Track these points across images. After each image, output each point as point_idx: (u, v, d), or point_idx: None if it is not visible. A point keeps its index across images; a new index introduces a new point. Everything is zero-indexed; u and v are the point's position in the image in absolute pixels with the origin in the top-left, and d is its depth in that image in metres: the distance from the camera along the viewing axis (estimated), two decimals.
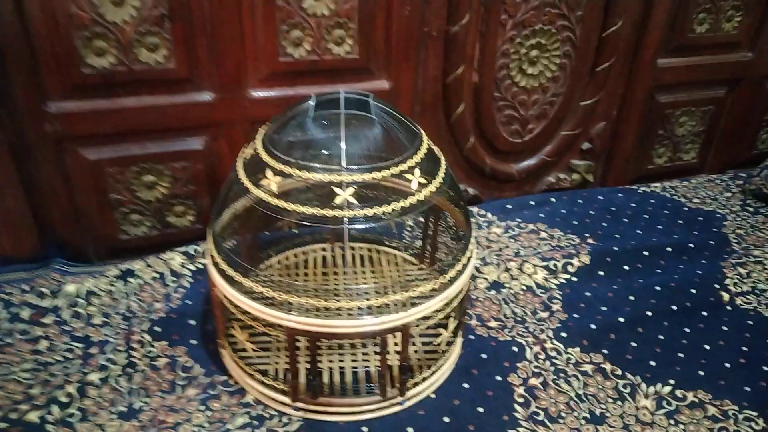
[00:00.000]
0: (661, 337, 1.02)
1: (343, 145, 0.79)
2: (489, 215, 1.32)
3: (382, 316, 0.79)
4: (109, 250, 1.20)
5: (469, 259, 0.88)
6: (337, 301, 0.79)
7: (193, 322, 1.02)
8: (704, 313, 1.07)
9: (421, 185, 0.81)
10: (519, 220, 1.31)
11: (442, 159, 0.88)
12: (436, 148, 0.89)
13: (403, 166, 0.80)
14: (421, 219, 1.15)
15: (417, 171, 0.81)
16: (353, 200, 0.77)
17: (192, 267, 1.14)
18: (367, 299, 0.79)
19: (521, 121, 1.33)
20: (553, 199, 1.37)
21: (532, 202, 1.36)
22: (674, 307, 1.07)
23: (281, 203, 0.78)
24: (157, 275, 1.11)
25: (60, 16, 0.97)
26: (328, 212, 0.77)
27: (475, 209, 1.33)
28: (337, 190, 0.77)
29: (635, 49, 1.32)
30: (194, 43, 1.06)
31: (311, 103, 0.85)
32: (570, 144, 1.41)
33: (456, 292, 0.85)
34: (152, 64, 1.05)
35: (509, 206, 1.34)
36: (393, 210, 0.78)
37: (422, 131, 0.88)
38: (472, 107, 1.28)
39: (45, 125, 1.05)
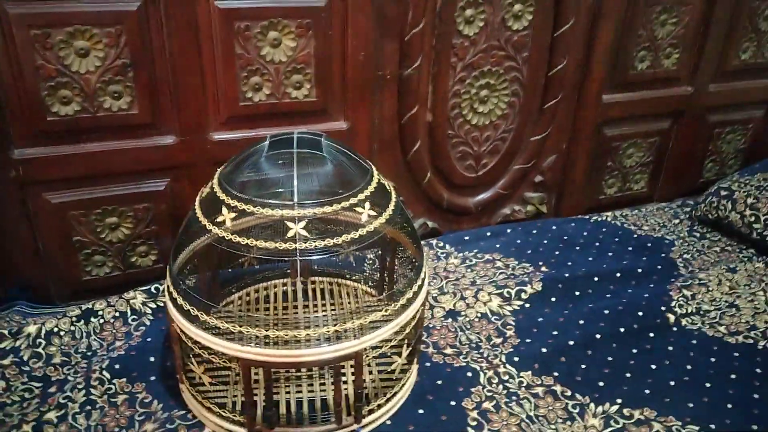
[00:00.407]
0: (610, 358, 1.06)
1: (295, 181, 0.83)
2: (447, 247, 1.36)
3: (336, 344, 0.82)
4: (72, 291, 1.22)
5: (420, 286, 0.92)
6: (292, 330, 0.82)
7: (152, 359, 1.04)
8: (651, 335, 1.11)
9: (372, 217, 0.86)
10: (476, 250, 1.35)
11: (392, 192, 0.92)
12: (387, 183, 0.94)
13: (354, 200, 0.85)
14: (380, 251, 1.19)
15: (367, 204, 0.86)
16: (305, 233, 0.81)
17: (153, 305, 1.16)
18: (322, 327, 0.83)
19: (475, 157, 1.39)
20: (508, 230, 1.42)
21: (489, 234, 1.41)
22: (622, 330, 1.12)
23: (236, 238, 0.82)
24: (119, 314, 1.13)
25: (26, 67, 1.01)
26: (281, 245, 0.81)
27: (434, 241, 1.38)
28: (289, 224, 0.82)
29: (580, 86, 1.40)
30: (157, 90, 1.11)
31: (266, 143, 0.90)
32: (523, 177, 1.47)
33: (408, 318, 0.88)
34: (116, 110, 1.09)
35: (467, 238, 1.39)
36: (344, 241, 0.83)
37: (373, 167, 0.92)
38: (428, 144, 1.34)
39: (9, 171, 1.08)
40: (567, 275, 1.25)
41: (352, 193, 0.85)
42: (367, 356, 0.87)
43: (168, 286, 0.90)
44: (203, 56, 1.11)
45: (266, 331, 0.82)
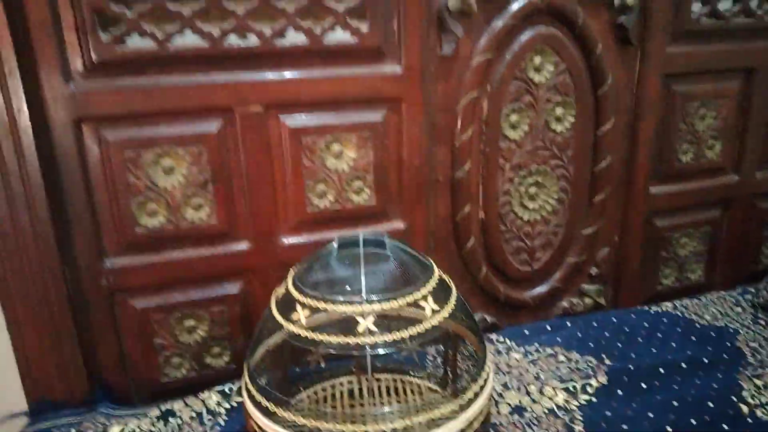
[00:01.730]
0: None
1: (363, 279, 0.90)
2: (508, 341, 1.38)
3: None
4: (151, 392, 1.28)
5: (485, 380, 0.94)
6: (363, 425, 0.85)
7: None
8: (725, 426, 1.08)
9: (435, 312, 0.91)
10: (537, 344, 1.36)
11: (452, 287, 0.98)
12: (447, 278, 1.00)
13: (417, 295, 0.90)
14: (442, 347, 1.22)
15: (430, 299, 0.91)
16: (374, 328, 0.87)
17: (227, 405, 1.20)
18: (391, 422, 0.85)
19: (528, 251, 1.44)
20: (568, 323, 1.43)
21: (549, 327, 1.42)
22: (694, 422, 1.09)
23: (310, 335, 0.88)
24: (195, 414, 1.18)
25: (120, 185, 1.14)
26: (352, 340, 0.86)
27: (494, 336, 1.40)
28: (359, 319, 0.87)
29: (627, 180, 1.46)
30: (233, 202, 1.22)
31: (334, 244, 0.98)
32: (578, 270, 1.50)
33: (475, 413, 0.91)
34: (196, 221, 1.20)
35: (526, 332, 1.40)
36: (410, 335, 0.87)
37: (433, 264, 0.98)
38: (482, 240, 1.40)
39: (101, 279, 1.18)
40: (632, 368, 1.24)
41: (416, 288, 0.91)
42: None
43: (245, 383, 0.96)
44: (274, 169, 1.22)
45: (340, 425, 0.85)
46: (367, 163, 1.27)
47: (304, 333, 0.89)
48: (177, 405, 1.19)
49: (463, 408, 0.89)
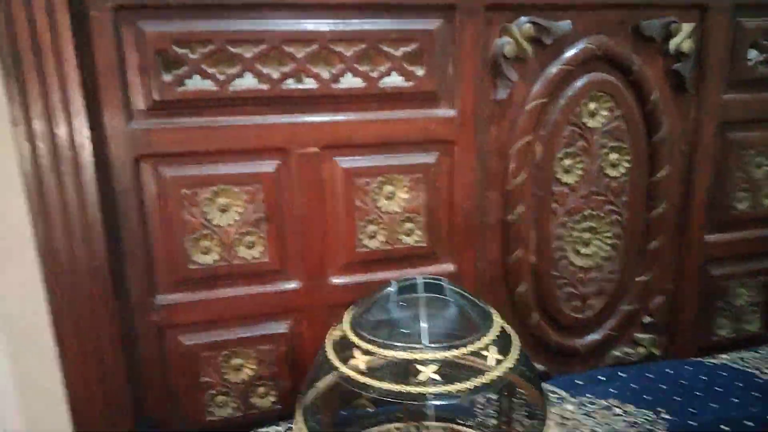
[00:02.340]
0: None
1: (423, 324, 0.88)
2: (560, 391, 1.33)
3: None
4: (195, 431, 1.27)
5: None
6: None
7: None
8: None
9: (498, 362, 0.88)
10: (590, 395, 1.32)
11: (514, 336, 0.95)
12: (507, 327, 0.97)
13: (479, 344, 0.88)
14: (492, 396, 1.19)
15: (493, 348, 0.89)
16: (436, 377, 0.85)
17: None
18: None
19: (581, 298, 1.40)
20: (621, 374, 1.38)
21: (602, 377, 1.37)
22: None
23: (369, 380, 0.86)
24: None
25: (175, 222, 1.15)
26: (413, 389, 0.84)
27: (545, 385, 1.35)
28: (420, 367, 0.85)
29: (682, 227, 1.43)
30: (285, 240, 1.22)
31: (392, 288, 0.96)
32: (631, 318, 1.46)
33: None
34: (249, 259, 1.20)
35: (579, 382, 1.36)
36: (474, 386, 0.85)
37: (492, 310, 0.96)
38: (533, 285, 1.37)
39: (152, 316, 1.18)
40: (693, 423, 1.19)
41: (478, 336, 0.89)
42: None
43: (297, 423, 0.94)
44: (326, 209, 1.22)
45: None
46: (419, 205, 1.27)
47: (362, 379, 0.87)
48: None
49: None
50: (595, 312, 1.42)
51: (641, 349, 1.48)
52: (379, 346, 0.88)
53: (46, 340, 1.15)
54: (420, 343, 0.87)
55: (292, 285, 1.25)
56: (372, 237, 1.26)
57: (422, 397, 0.84)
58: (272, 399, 1.30)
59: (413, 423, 1.19)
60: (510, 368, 0.88)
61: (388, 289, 0.97)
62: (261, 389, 1.29)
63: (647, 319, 1.47)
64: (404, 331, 0.92)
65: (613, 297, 1.43)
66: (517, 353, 0.91)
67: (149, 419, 1.23)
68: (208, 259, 1.19)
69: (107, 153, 1.09)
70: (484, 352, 0.88)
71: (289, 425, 1.21)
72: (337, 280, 1.27)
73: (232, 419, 1.28)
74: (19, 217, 1.16)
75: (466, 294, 0.97)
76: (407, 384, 0.84)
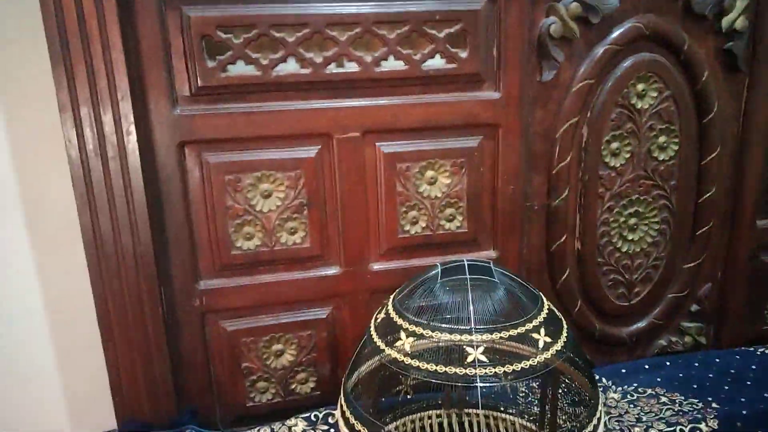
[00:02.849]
0: None
1: (471, 306, 0.87)
2: (604, 380, 1.30)
3: None
4: (236, 416, 1.27)
5: (599, 420, 0.89)
6: None
7: None
8: None
9: (547, 344, 0.86)
10: (636, 384, 1.28)
11: (563, 320, 0.93)
12: (556, 310, 0.95)
13: (529, 326, 0.86)
14: (534, 384, 1.16)
15: (542, 330, 0.87)
16: (484, 359, 0.83)
17: None
18: None
19: (627, 285, 1.37)
20: (668, 363, 1.34)
21: (647, 366, 1.34)
22: None
23: (415, 362, 0.85)
24: None
25: (219, 208, 1.15)
26: (460, 370, 0.82)
27: None
28: (468, 349, 0.84)
29: (733, 212, 1.38)
30: (327, 226, 1.21)
31: (437, 270, 0.95)
32: (678, 306, 1.42)
33: None
34: (290, 244, 1.20)
35: (624, 370, 1.33)
36: (522, 368, 0.83)
37: (541, 294, 0.94)
38: (577, 273, 1.34)
39: (194, 300, 1.19)
40: (744, 412, 1.15)
41: (528, 318, 0.87)
42: None
43: (342, 406, 0.93)
44: (368, 194, 1.21)
45: None
46: (461, 190, 1.25)
47: (408, 360, 0.86)
48: (264, 431, 1.17)
49: None
50: (640, 300, 1.38)
51: (688, 339, 1.44)
52: (425, 327, 0.86)
53: (90, 327, 1.16)
54: (467, 324, 0.85)
55: (332, 271, 1.24)
56: (413, 223, 1.25)
57: (469, 379, 0.82)
58: (312, 385, 1.30)
59: (454, 410, 1.18)
60: (559, 350, 0.86)
61: (433, 271, 0.95)
62: (301, 375, 1.28)
63: (694, 307, 1.43)
64: (452, 314, 0.90)
65: (660, 284, 1.39)
66: (565, 336, 0.89)
67: (191, 406, 1.24)
68: (251, 244, 1.19)
69: (152, 139, 1.10)
70: (534, 335, 0.86)
71: (328, 411, 1.21)
72: (377, 266, 1.26)
73: (272, 405, 1.28)
74: (65, 203, 1.18)
75: (514, 276, 0.95)
76: (458, 366, 0.82)
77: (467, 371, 0.82)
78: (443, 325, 0.86)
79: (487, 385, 0.82)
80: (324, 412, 1.21)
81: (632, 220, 1.33)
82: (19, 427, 1.32)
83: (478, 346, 0.83)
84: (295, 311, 1.25)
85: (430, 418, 1.18)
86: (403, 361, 0.86)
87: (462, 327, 0.85)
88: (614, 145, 1.27)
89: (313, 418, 1.20)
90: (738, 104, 1.32)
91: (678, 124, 1.29)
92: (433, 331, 0.86)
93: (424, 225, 1.25)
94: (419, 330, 0.87)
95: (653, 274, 1.38)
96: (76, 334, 1.29)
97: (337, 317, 1.27)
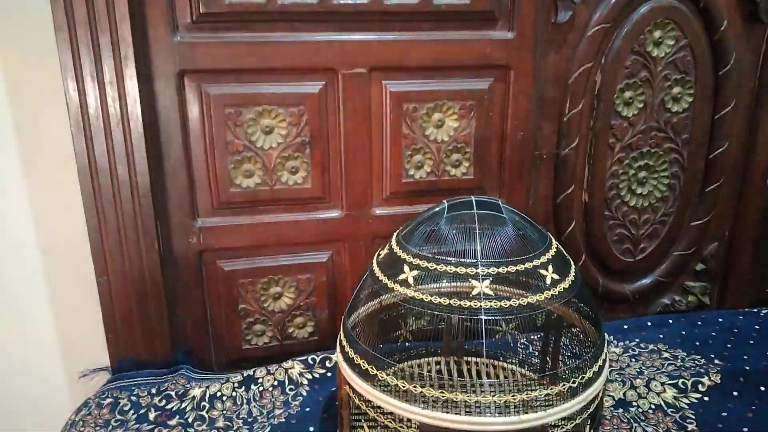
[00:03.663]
0: None
1: (477, 240, 0.84)
2: (605, 335, 1.28)
3: (520, 416, 0.78)
4: (231, 359, 1.25)
5: (604, 360, 0.86)
6: (474, 394, 0.79)
7: (312, 429, 1.03)
8: None
9: (555, 281, 0.83)
10: (638, 340, 1.27)
11: (571, 260, 0.90)
12: (563, 251, 0.92)
13: (537, 262, 0.83)
14: (534, 337, 1.14)
15: (550, 267, 0.84)
16: (489, 292, 0.80)
17: (309, 376, 1.16)
18: (508, 395, 0.79)
19: (633, 240, 1.34)
20: (670, 321, 1.33)
21: (650, 323, 1.32)
22: None
23: (419, 295, 0.82)
24: (277, 383, 1.14)
25: (218, 142, 1.12)
26: (465, 303, 0.80)
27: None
28: (474, 282, 0.81)
29: (744, 170, 1.35)
30: (329, 167, 1.18)
31: (444, 205, 0.91)
32: (683, 264, 1.39)
33: (595, 392, 0.83)
34: (291, 184, 1.17)
35: (626, 326, 1.31)
36: (529, 303, 0.80)
37: (549, 234, 0.91)
38: (583, 225, 1.31)
39: (191, 238, 1.16)
40: (747, 368, 1.13)
41: (536, 254, 0.84)
42: (551, 430, 0.82)
43: (341, 341, 0.90)
44: (373, 136, 1.18)
45: (446, 393, 0.79)
46: (468, 135, 1.21)
47: (411, 293, 0.83)
48: (259, 372, 1.15)
49: (584, 387, 0.81)
50: (646, 256, 1.36)
51: (691, 298, 1.42)
52: (430, 260, 0.83)
53: (84, 261, 1.13)
54: (474, 258, 0.82)
55: (334, 214, 1.21)
56: (418, 167, 1.21)
57: (476, 312, 0.79)
58: (310, 330, 1.28)
59: (453, 357, 1.15)
60: (567, 289, 0.83)
61: (440, 206, 0.92)
62: (299, 319, 1.26)
63: (700, 266, 1.40)
64: (457, 247, 0.87)
65: (666, 241, 1.36)
66: (573, 275, 0.86)
67: (186, 346, 1.22)
68: (250, 182, 1.16)
69: (150, 66, 1.06)
70: (542, 271, 0.83)
71: (326, 355, 1.19)
72: (380, 211, 1.23)
73: (269, 348, 1.26)
74: (59, 131, 1.13)
75: (522, 214, 0.92)
76: (462, 299, 0.80)
77: (472, 304, 0.79)
78: (449, 258, 0.83)
79: (492, 318, 0.80)
80: (321, 356, 1.19)
81: (642, 174, 1.30)
82: (10, 366, 1.30)
83: (483, 279, 0.80)
84: (295, 254, 1.22)
85: (429, 364, 1.16)
86: (406, 293, 0.83)
87: (468, 260, 0.82)
88: (627, 94, 1.23)
89: (310, 361, 1.18)
90: (756, 57, 1.28)
91: (694, 74, 1.25)
92: (437, 264, 0.83)
93: (429, 170, 1.22)
94: (423, 263, 0.84)
95: (660, 230, 1.35)
96: (69, 268, 1.25)
97: (337, 262, 1.24)
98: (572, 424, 0.84)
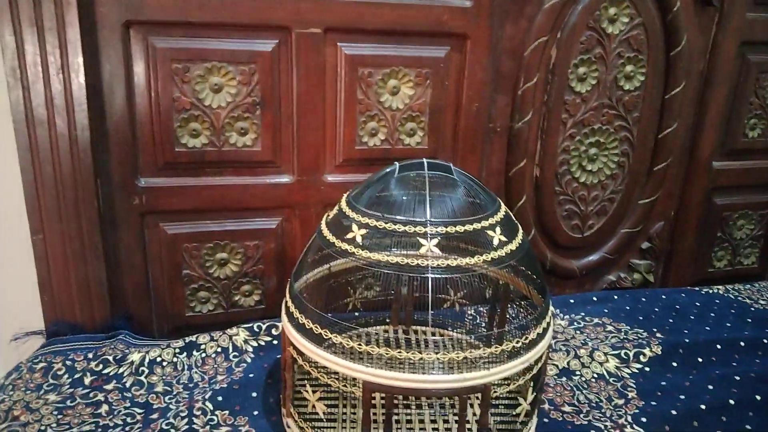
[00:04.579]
0: (749, 426, 0.96)
1: (427, 199, 0.83)
2: (550, 301, 1.30)
3: (464, 373, 0.78)
4: (173, 326, 1.21)
5: (548, 324, 0.87)
6: (421, 353, 0.78)
7: (255, 394, 1.00)
8: None
9: (502, 243, 0.83)
10: (583, 313, 1.29)
11: (519, 225, 0.90)
12: (512, 216, 0.92)
13: (485, 223, 0.83)
14: (482, 309, 1.14)
15: (498, 229, 0.84)
16: (437, 250, 0.79)
17: (255, 343, 1.13)
18: (452, 352, 0.78)
19: (581, 217, 1.36)
20: (615, 297, 1.35)
21: (595, 298, 1.34)
22: (758, 397, 1.01)
23: (366, 253, 0.81)
24: (221, 350, 1.11)
25: (164, 99, 1.07)
26: (413, 260, 0.79)
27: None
28: (422, 240, 0.80)
29: (691, 150, 1.38)
30: (280, 129, 1.15)
31: (395, 166, 0.90)
32: (630, 242, 1.42)
33: (539, 354, 0.83)
34: (240, 146, 1.14)
35: (572, 301, 1.33)
36: (476, 262, 0.80)
37: (499, 198, 0.91)
38: (534, 200, 1.32)
39: (133, 198, 1.12)
40: (687, 341, 1.16)
41: (485, 216, 0.84)
42: (494, 391, 0.82)
43: (286, 302, 0.88)
44: (326, 99, 1.15)
45: (394, 351, 0.78)
46: (424, 104, 1.20)
47: (359, 252, 0.81)
48: (202, 338, 1.12)
49: (527, 348, 0.81)
50: (594, 232, 1.38)
51: (636, 276, 1.45)
52: (378, 219, 0.82)
53: (19, 218, 1.08)
54: (423, 217, 0.81)
55: (284, 179, 1.19)
56: (372, 134, 1.20)
57: (423, 270, 0.78)
58: (257, 298, 1.25)
59: (401, 327, 1.15)
60: (514, 250, 0.83)
61: (390, 167, 0.91)
62: (246, 287, 1.23)
63: (646, 245, 1.43)
64: (406, 207, 0.86)
65: (614, 218, 1.39)
66: (520, 239, 0.86)
67: (126, 311, 1.18)
68: (197, 142, 1.12)
69: (94, 14, 1.01)
70: (490, 232, 0.83)
71: (272, 323, 1.16)
72: (332, 178, 1.21)
73: (213, 316, 1.23)
74: None
75: (473, 177, 0.91)
76: (410, 257, 0.79)
77: (419, 262, 0.79)
78: (398, 217, 0.82)
79: (439, 276, 0.79)
80: (268, 324, 1.16)
81: (592, 150, 1.31)
82: None
83: (432, 238, 0.80)
84: (243, 219, 1.19)
85: (377, 333, 1.15)
86: (354, 252, 0.82)
87: (417, 219, 0.81)
88: (581, 69, 1.24)
89: (255, 328, 1.16)
90: (706, 39, 1.31)
91: (646, 54, 1.27)
92: (386, 223, 0.81)
93: (383, 138, 1.21)
94: (372, 222, 0.82)
95: (608, 207, 1.37)
96: (3, 227, 1.18)
97: (287, 229, 1.22)
98: (515, 385, 0.85)
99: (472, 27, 1.16)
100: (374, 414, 0.94)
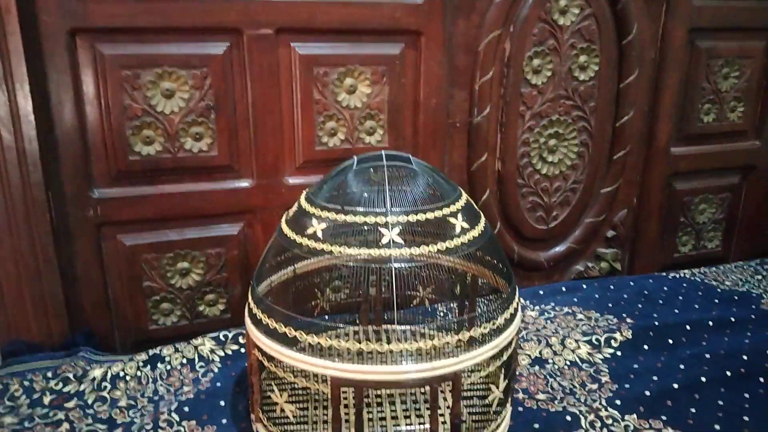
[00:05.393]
0: (721, 402, 0.96)
1: (386, 189, 0.81)
2: (521, 300, 1.30)
3: (433, 362, 0.76)
4: (136, 341, 1.18)
5: (516, 309, 0.86)
6: (388, 344, 0.76)
7: (223, 403, 0.97)
8: (761, 379, 1.02)
9: (464, 230, 0.82)
10: (553, 303, 1.29)
11: (481, 213, 0.89)
12: (473, 203, 0.91)
13: (447, 211, 0.82)
14: (453, 305, 1.13)
15: (459, 216, 0.83)
16: (399, 240, 0.78)
17: (221, 353, 1.10)
18: (419, 341, 0.77)
19: (545, 208, 1.36)
20: (584, 286, 1.36)
21: (564, 288, 1.34)
22: (729, 374, 1.02)
23: (327, 247, 0.79)
24: (186, 361, 1.08)
25: (114, 106, 1.05)
26: (375, 251, 0.77)
27: None
28: (383, 231, 0.79)
29: (648, 137, 1.40)
30: (236, 133, 1.13)
31: (354, 158, 0.89)
32: (595, 231, 1.43)
33: (507, 340, 0.82)
34: (196, 152, 1.11)
35: (541, 292, 1.33)
36: (438, 249, 0.79)
37: (460, 187, 0.90)
38: (497, 194, 1.32)
39: (88, 210, 1.08)
40: (657, 324, 1.17)
41: (446, 203, 0.83)
42: (467, 379, 0.80)
43: (248, 303, 0.86)
44: (282, 101, 1.14)
45: (359, 344, 0.76)
46: (382, 101, 1.19)
47: (320, 246, 0.80)
48: (166, 350, 1.08)
49: (496, 333, 0.80)
50: (558, 223, 1.39)
51: (603, 264, 1.46)
52: (338, 212, 0.80)
53: None
54: (383, 207, 0.80)
55: (244, 183, 1.17)
56: (332, 134, 1.19)
57: (386, 261, 0.77)
58: (222, 307, 1.22)
59: (371, 327, 1.13)
60: (477, 237, 0.82)
61: (349, 161, 0.89)
62: (210, 296, 1.20)
63: (610, 233, 1.44)
64: (367, 198, 0.85)
65: (578, 208, 1.40)
66: (483, 226, 0.85)
67: (86, 327, 1.14)
68: (151, 149, 1.09)
69: (37, 23, 0.98)
70: (452, 219, 0.82)
71: (239, 331, 1.13)
72: (293, 180, 1.19)
73: (178, 328, 1.20)
74: None
75: (434, 168, 0.90)
76: (372, 248, 0.77)
77: (381, 252, 0.77)
78: (357, 209, 0.80)
79: (403, 265, 0.77)
80: (234, 332, 1.13)
81: (552, 141, 1.32)
82: None
83: (393, 228, 0.78)
84: (203, 226, 1.17)
85: (347, 334, 1.13)
86: (315, 247, 0.80)
87: (377, 210, 0.80)
88: (536, 61, 1.25)
89: (222, 337, 1.13)
90: (656, 28, 1.33)
91: (599, 44, 1.29)
92: (346, 215, 0.80)
93: (343, 137, 1.19)
94: (332, 215, 0.81)
95: (571, 197, 1.38)
96: None
97: (249, 234, 1.19)
98: (485, 372, 0.84)
99: (425, 23, 1.16)
100: (346, 414, 0.92)
